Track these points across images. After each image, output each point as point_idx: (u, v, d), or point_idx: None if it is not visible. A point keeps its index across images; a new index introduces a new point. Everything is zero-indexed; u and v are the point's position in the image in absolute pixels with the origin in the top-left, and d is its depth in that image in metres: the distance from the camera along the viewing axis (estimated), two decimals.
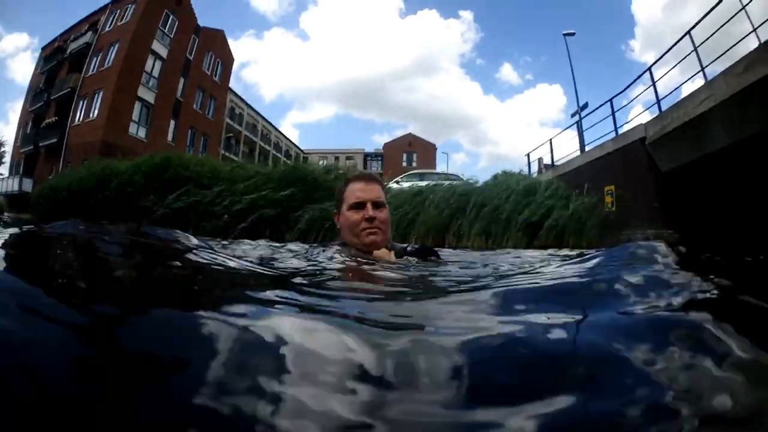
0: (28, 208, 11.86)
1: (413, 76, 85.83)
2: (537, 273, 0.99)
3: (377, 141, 50.97)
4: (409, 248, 1.56)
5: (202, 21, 23.43)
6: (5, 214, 16.30)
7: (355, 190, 1.48)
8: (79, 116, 19.08)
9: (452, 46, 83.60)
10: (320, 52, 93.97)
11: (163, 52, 20.64)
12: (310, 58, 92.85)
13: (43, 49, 24.15)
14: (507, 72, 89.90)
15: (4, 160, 32.03)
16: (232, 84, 27.44)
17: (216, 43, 24.81)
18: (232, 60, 26.91)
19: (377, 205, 1.46)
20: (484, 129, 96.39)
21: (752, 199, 5.71)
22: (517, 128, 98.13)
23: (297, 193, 7.44)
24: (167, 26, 20.87)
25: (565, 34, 14.20)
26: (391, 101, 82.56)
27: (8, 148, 24.48)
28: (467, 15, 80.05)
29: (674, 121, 6.28)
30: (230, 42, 26.68)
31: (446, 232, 7.40)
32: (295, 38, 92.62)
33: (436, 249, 1.68)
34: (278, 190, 7.60)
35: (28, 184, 19.00)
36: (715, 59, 6.52)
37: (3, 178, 22.87)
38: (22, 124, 23.25)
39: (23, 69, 51.18)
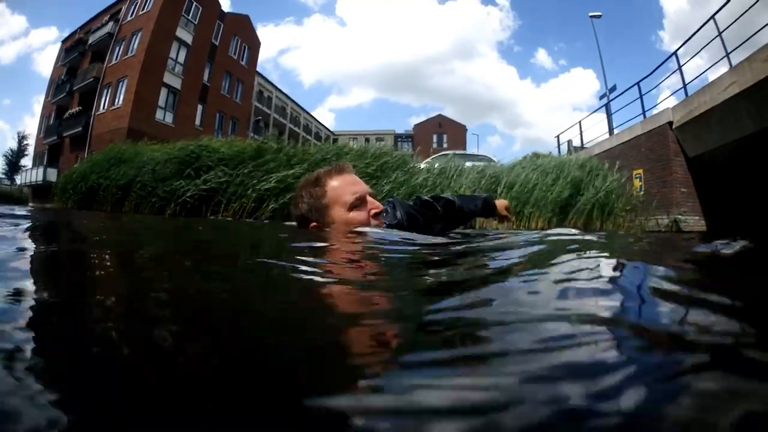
0: (52, 198, 11.68)
1: (451, 60, 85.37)
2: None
3: (412, 123, 51.02)
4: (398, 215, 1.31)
5: (240, 8, 23.38)
6: (29, 204, 16.28)
7: (346, 186, 1.24)
8: (103, 105, 18.99)
9: (491, 32, 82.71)
10: (359, 38, 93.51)
11: (188, 38, 20.48)
12: (348, 44, 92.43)
13: (64, 41, 24.23)
14: (542, 57, 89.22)
15: (26, 152, 32.51)
16: (270, 69, 27.63)
17: (241, 28, 24.68)
18: (259, 44, 26.77)
19: (372, 195, 1.26)
20: (519, 112, 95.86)
21: None
22: (552, 112, 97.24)
23: None
24: (191, 13, 20.69)
25: (591, 16, 15.05)
26: (428, 84, 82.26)
27: (31, 141, 24.66)
28: (503, 1, 79.09)
29: (700, 105, 6.23)
30: (270, 28, 26.69)
31: None
32: (335, 25, 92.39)
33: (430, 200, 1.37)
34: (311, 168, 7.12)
35: (52, 174, 18.97)
36: (739, 45, 6.41)
37: (27, 170, 23.03)
38: (44, 116, 23.39)
39: (51, 62, 51.97)
